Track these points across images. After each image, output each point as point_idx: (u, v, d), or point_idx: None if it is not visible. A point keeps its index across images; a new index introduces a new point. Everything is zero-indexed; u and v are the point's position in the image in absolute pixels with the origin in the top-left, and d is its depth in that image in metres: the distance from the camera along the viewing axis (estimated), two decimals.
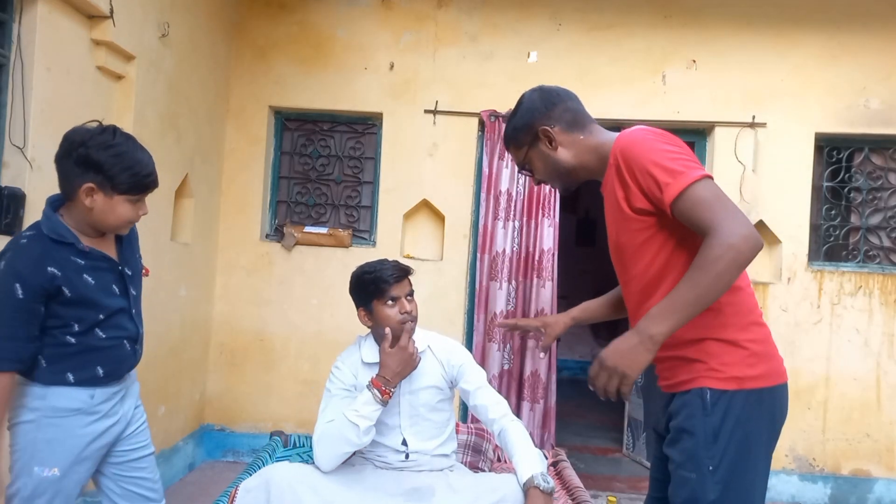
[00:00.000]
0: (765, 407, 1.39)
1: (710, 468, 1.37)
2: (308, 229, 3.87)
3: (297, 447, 2.55)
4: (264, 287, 3.86)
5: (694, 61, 3.79)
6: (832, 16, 3.75)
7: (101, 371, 1.66)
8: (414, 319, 2.04)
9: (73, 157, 1.54)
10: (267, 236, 3.96)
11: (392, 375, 1.94)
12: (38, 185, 2.29)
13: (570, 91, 1.63)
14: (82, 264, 1.60)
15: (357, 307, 2.10)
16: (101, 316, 1.64)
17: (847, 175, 3.84)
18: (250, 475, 1.95)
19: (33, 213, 2.26)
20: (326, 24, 3.90)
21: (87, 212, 1.59)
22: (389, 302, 2.01)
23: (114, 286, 1.68)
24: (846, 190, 3.85)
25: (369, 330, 2.14)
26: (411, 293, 2.07)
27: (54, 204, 1.64)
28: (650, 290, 1.47)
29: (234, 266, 3.88)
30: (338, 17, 3.89)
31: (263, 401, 3.85)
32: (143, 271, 1.86)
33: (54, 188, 2.38)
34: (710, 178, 1.33)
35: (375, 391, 1.92)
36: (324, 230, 3.87)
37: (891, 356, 3.69)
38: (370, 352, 2.09)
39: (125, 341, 1.72)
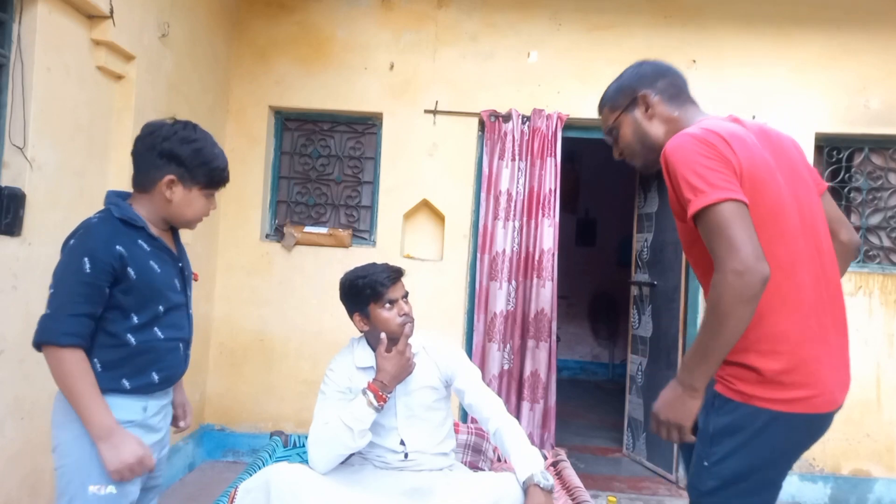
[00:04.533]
0: (766, 426, 1.37)
1: (706, 464, 1.41)
2: (308, 229, 3.87)
3: (297, 447, 2.55)
4: (264, 287, 3.86)
5: (694, 61, 3.79)
6: (832, 16, 3.75)
7: (156, 377, 1.61)
8: (412, 321, 2.04)
9: (156, 150, 1.58)
10: (267, 236, 3.96)
11: (389, 380, 1.93)
12: (38, 185, 2.29)
13: (681, 72, 1.62)
14: (148, 250, 1.60)
15: (351, 313, 2.10)
16: (162, 308, 1.61)
17: (847, 175, 3.84)
18: (250, 475, 1.95)
19: (33, 213, 2.26)
20: (326, 24, 3.90)
21: (166, 204, 1.61)
22: (387, 305, 2.01)
23: (175, 280, 1.68)
24: (846, 190, 3.85)
25: (361, 333, 2.14)
26: (406, 294, 2.08)
27: (119, 195, 1.65)
28: (705, 286, 1.49)
29: (234, 266, 3.88)
30: (338, 17, 3.89)
31: (263, 401, 3.85)
32: (193, 276, 1.85)
33: (54, 188, 2.40)
34: (733, 200, 1.28)
35: (371, 396, 1.91)
36: (324, 230, 3.87)
37: (891, 356, 3.69)
38: (363, 356, 2.09)
39: (180, 344, 1.69)
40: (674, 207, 1.46)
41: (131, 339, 1.56)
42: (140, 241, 1.59)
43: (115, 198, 1.63)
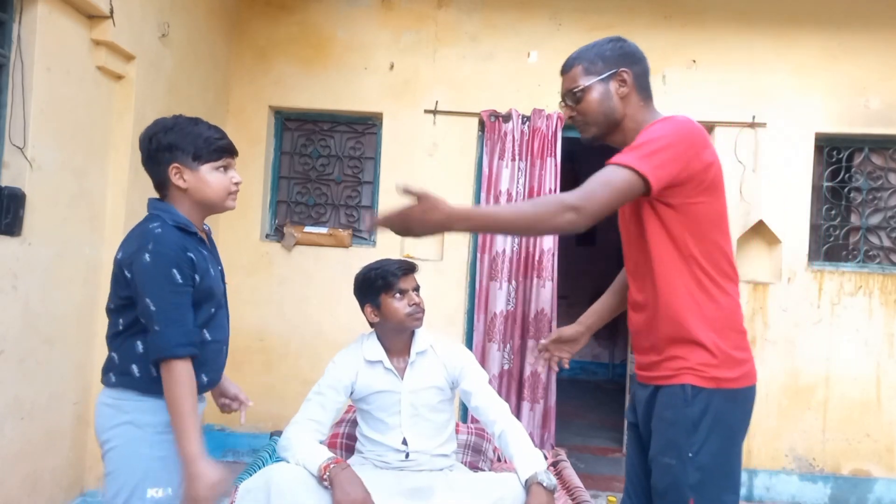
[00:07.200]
0: (738, 404, 1.50)
1: (690, 455, 1.44)
2: (308, 229, 3.87)
3: None
4: (264, 287, 3.86)
5: (694, 61, 3.79)
6: (832, 16, 3.75)
7: (205, 378, 1.62)
8: (422, 311, 2.08)
9: (152, 151, 1.61)
10: (267, 236, 3.96)
11: (337, 482, 1.78)
12: (38, 185, 2.29)
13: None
14: (205, 254, 1.63)
15: (363, 305, 2.12)
16: (213, 310, 1.63)
17: (847, 175, 3.84)
18: (250, 475, 1.95)
19: (33, 213, 2.26)
20: (326, 24, 3.90)
21: (184, 195, 1.62)
22: (398, 295, 2.05)
23: (221, 282, 1.71)
24: (846, 190, 3.85)
25: (372, 329, 2.16)
26: (417, 288, 2.11)
27: (160, 201, 1.66)
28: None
29: (234, 266, 3.86)
30: (338, 17, 3.89)
31: (263, 401, 3.84)
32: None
33: (54, 188, 2.40)
34: (641, 176, 1.38)
35: (328, 461, 1.83)
36: (324, 230, 3.87)
37: (891, 356, 3.69)
38: (372, 350, 2.10)
39: (223, 347, 1.71)
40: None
41: None
42: (198, 247, 1.61)
43: (159, 204, 1.63)
